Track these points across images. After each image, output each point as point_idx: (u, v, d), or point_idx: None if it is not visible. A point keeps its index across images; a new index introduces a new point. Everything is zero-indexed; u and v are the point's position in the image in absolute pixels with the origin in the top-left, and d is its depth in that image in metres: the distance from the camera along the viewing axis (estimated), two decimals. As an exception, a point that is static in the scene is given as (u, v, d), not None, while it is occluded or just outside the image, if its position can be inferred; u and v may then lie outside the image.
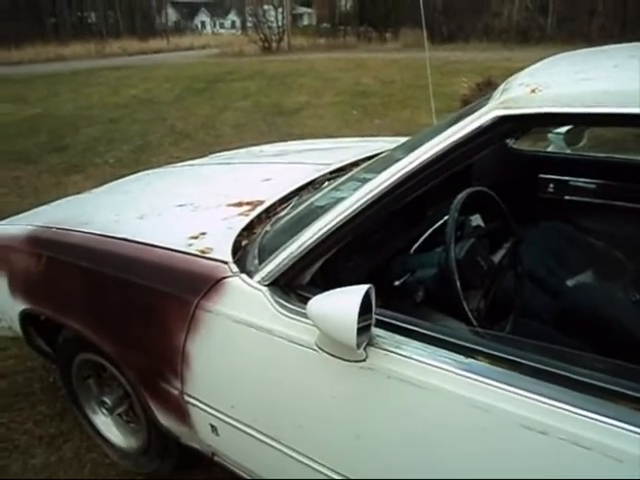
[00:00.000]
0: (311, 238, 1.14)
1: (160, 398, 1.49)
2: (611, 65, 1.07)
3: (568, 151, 2.19)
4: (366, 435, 1.07)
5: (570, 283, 1.83)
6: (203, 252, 1.38)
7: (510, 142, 2.22)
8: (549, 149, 2.26)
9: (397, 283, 1.34)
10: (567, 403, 0.85)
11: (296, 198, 1.67)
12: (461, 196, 1.32)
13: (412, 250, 1.50)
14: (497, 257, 1.43)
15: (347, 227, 1.12)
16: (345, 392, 1.08)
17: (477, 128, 0.98)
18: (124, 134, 6.67)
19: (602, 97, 0.90)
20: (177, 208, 1.72)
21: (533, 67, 1.16)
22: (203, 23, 47.80)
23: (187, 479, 1.78)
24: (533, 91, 0.94)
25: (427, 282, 1.31)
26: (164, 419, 1.52)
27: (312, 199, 1.50)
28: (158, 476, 1.79)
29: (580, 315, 1.57)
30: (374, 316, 1.00)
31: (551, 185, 2.22)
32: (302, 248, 1.15)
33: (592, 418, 0.82)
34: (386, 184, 1.07)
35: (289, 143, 2.90)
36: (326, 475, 1.15)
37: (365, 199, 1.09)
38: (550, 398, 0.86)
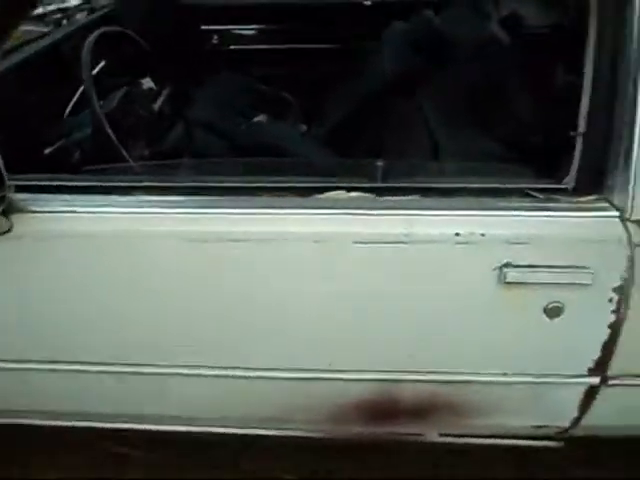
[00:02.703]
0: None
1: None
2: None
3: None
4: (37, 303, 0.99)
5: (244, 126, 1.94)
6: None
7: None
8: None
9: (48, 151, 1.20)
10: (219, 207, 0.92)
11: None
12: (92, 37, 1.21)
13: (65, 115, 1.35)
14: (157, 105, 1.40)
15: None
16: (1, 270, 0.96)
17: None
18: None
19: None
20: None
21: None
22: None
23: None
24: None
25: (83, 142, 1.22)
26: None
27: None
28: None
29: (256, 151, 1.69)
30: (11, 183, 0.88)
31: (215, 36, 2.23)
32: None
33: (240, 214, 0.91)
34: None
35: None
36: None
37: None
38: (208, 207, 0.92)
